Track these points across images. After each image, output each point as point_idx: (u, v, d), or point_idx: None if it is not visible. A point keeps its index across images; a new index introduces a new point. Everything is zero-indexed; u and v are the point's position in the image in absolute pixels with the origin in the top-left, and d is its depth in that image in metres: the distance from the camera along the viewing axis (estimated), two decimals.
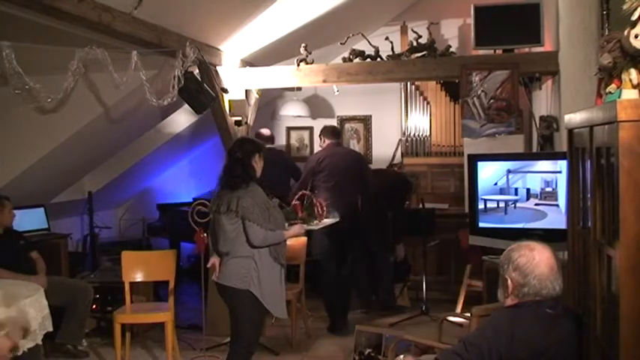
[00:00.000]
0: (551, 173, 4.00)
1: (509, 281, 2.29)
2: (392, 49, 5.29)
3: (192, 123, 6.90)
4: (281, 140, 7.61)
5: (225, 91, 5.10)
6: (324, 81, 5.33)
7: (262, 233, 3.58)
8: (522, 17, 4.96)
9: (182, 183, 8.06)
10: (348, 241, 5.39)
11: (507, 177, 4.10)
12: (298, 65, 5.29)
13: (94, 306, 5.08)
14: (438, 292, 6.15)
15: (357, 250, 5.56)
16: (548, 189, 3.97)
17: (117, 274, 4.80)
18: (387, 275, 5.81)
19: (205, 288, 4.65)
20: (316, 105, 7.52)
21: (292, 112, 7.29)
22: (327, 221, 4.65)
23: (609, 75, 2.10)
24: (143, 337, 5.12)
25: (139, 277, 4.69)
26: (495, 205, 4.15)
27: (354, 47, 5.45)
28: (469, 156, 4.56)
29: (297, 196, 4.56)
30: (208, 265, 3.80)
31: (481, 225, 4.21)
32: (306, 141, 7.74)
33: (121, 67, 4.10)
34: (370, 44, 5.32)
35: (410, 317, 5.51)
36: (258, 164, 3.74)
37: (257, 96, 5.66)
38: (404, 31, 6.71)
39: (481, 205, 4.19)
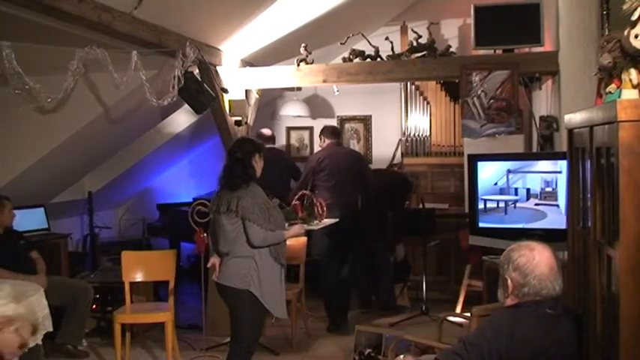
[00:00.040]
0: (551, 173, 4.00)
1: (509, 281, 2.30)
2: (392, 49, 5.29)
3: (192, 123, 6.90)
4: (281, 140, 7.60)
5: (225, 91, 5.10)
6: (324, 81, 5.33)
7: (262, 233, 3.57)
8: (522, 17, 4.96)
9: (182, 183, 8.06)
10: (348, 241, 5.39)
11: (507, 177, 4.10)
12: (298, 65, 5.29)
13: (94, 306, 5.08)
14: (438, 292, 6.15)
15: (357, 250, 5.56)
16: (548, 189, 3.97)
17: (117, 274, 4.80)
18: (387, 275, 5.80)
19: (205, 288, 4.64)
20: (316, 105, 7.51)
21: (292, 112, 7.29)
22: (327, 221, 4.65)
23: (609, 75, 2.10)
24: (143, 337, 5.12)
25: (138, 277, 4.69)
26: (495, 205, 4.15)
27: (354, 47, 5.45)
28: (469, 156, 4.56)
29: (297, 196, 4.57)
30: (208, 265, 3.80)
31: (481, 225, 4.21)
32: (306, 141, 7.73)
33: (121, 67, 4.10)
34: (370, 44, 5.32)
35: (410, 317, 5.51)
36: (258, 164, 3.74)
37: (257, 96, 5.66)
38: (404, 31, 6.71)
39: (481, 205, 4.19)
